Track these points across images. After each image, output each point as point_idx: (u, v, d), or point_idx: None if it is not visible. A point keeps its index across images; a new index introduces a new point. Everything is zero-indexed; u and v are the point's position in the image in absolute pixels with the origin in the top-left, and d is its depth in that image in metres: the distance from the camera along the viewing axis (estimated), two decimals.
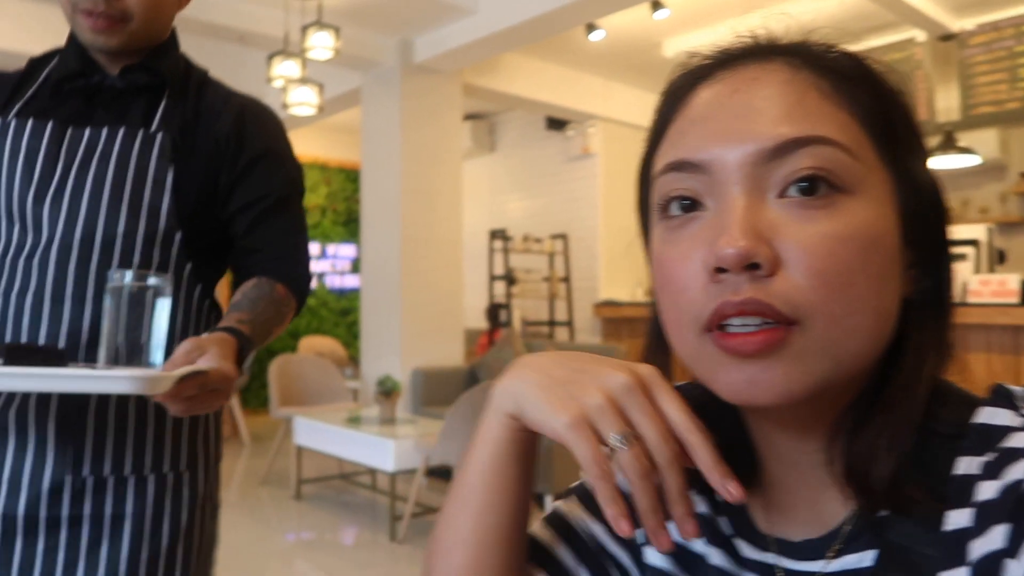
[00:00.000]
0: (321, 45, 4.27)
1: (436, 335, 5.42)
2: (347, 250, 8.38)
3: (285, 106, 4.62)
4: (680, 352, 0.49)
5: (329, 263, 8.33)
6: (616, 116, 6.61)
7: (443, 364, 5.39)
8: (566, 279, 7.01)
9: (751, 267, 0.43)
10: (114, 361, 0.90)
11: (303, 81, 4.47)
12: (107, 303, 0.92)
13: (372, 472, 4.80)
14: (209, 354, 0.94)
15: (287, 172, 1.23)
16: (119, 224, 1.05)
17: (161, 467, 1.06)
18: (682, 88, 0.51)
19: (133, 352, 0.91)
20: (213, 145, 1.13)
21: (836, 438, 0.48)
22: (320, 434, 4.40)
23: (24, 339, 1.00)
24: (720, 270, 0.44)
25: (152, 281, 0.93)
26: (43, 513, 0.98)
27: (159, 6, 1.11)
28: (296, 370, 5.25)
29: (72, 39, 1.10)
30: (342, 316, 8.35)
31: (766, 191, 0.45)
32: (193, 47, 4.99)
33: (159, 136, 1.09)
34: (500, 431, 0.52)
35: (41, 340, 1.00)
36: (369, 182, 5.62)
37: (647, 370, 0.48)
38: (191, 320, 1.15)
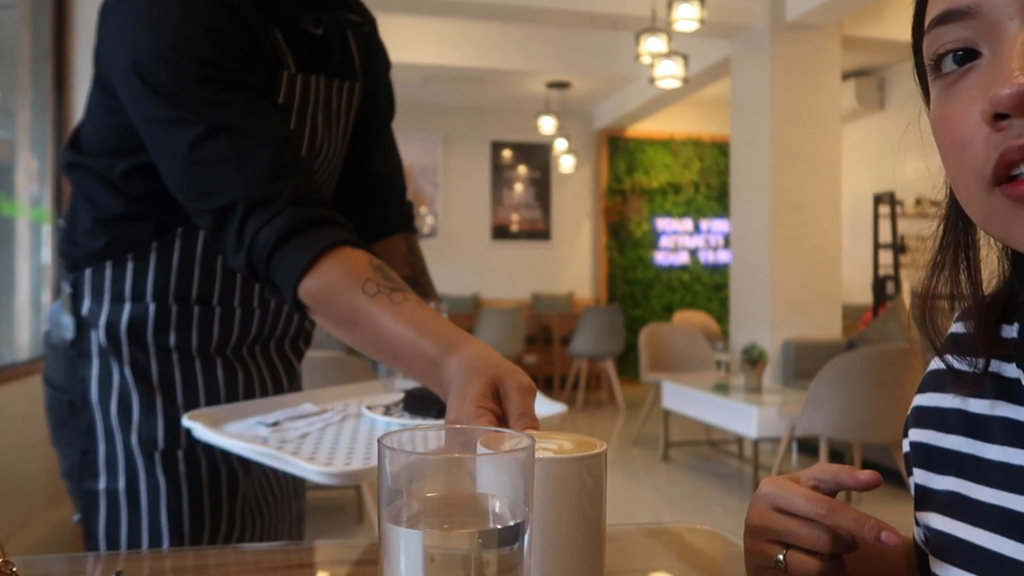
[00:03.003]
0: (686, 17, 4.33)
1: (811, 306, 5.14)
2: (720, 225, 8.32)
3: (652, 80, 4.77)
4: (973, 214, 0.47)
5: (703, 238, 8.36)
6: None
7: (818, 336, 5.09)
8: None
9: None
10: None
11: (668, 55, 4.57)
12: None
13: (739, 441, 4.76)
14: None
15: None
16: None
17: None
18: None
19: None
20: (377, 80, 1.11)
21: None
22: (686, 398, 4.50)
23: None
24: (1000, 116, 0.41)
25: None
26: None
27: None
28: (666, 337, 5.41)
29: None
30: (715, 291, 8.33)
31: None
32: (563, 34, 5.37)
33: (360, 87, 1.06)
34: None
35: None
36: (739, 151, 5.52)
37: None
38: None
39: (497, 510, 0.40)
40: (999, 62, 0.41)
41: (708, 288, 8.36)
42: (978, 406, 0.53)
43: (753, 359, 4.18)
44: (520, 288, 8.09)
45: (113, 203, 0.92)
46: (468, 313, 7.20)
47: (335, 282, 0.74)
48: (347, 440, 0.79)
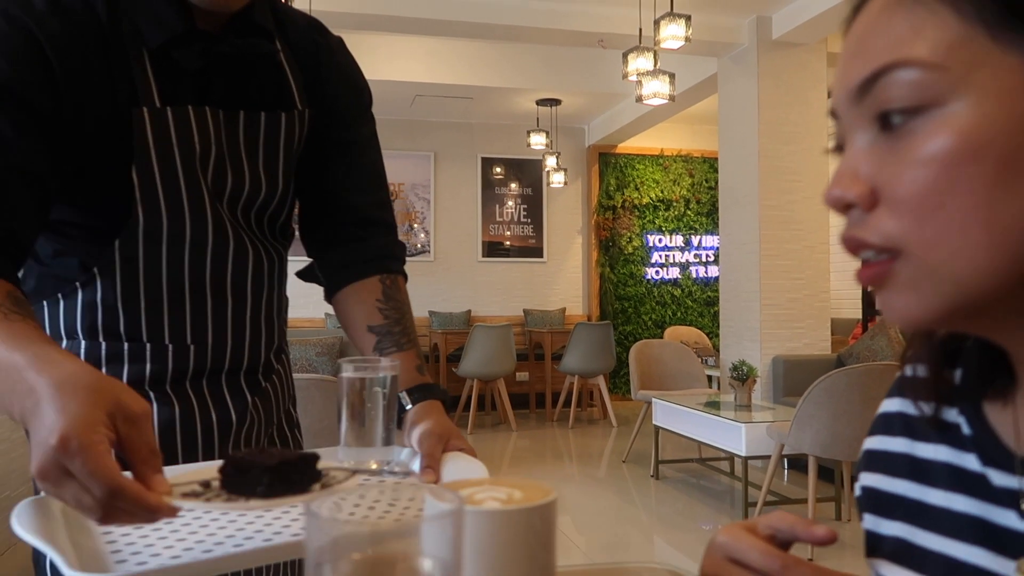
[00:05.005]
0: (672, 36, 4.36)
1: (800, 321, 5.16)
2: (711, 240, 8.35)
3: (639, 98, 4.80)
4: None
5: (694, 254, 8.39)
6: None
7: (807, 352, 5.10)
8: None
9: (852, 207, 0.46)
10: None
11: (655, 73, 4.60)
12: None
13: (730, 459, 4.75)
14: (456, 439, 0.87)
15: (368, 95, 1.11)
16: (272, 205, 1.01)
17: None
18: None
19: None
20: (331, 102, 1.05)
21: None
22: (676, 416, 4.49)
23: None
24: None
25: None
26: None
27: None
28: (655, 354, 5.41)
29: None
30: (707, 306, 8.34)
31: (868, 128, 0.45)
32: (553, 52, 5.39)
33: (307, 113, 1.00)
34: None
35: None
36: (727, 168, 5.55)
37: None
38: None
39: (428, 571, 0.40)
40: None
41: (700, 303, 8.38)
42: (924, 450, 0.53)
43: (742, 377, 4.18)
44: (512, 304, 8.09)
45: (43, 242, 0.93)
46: (460, 330, 7.19)
47: None
48: (203, 523, 0.69)
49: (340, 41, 1.09)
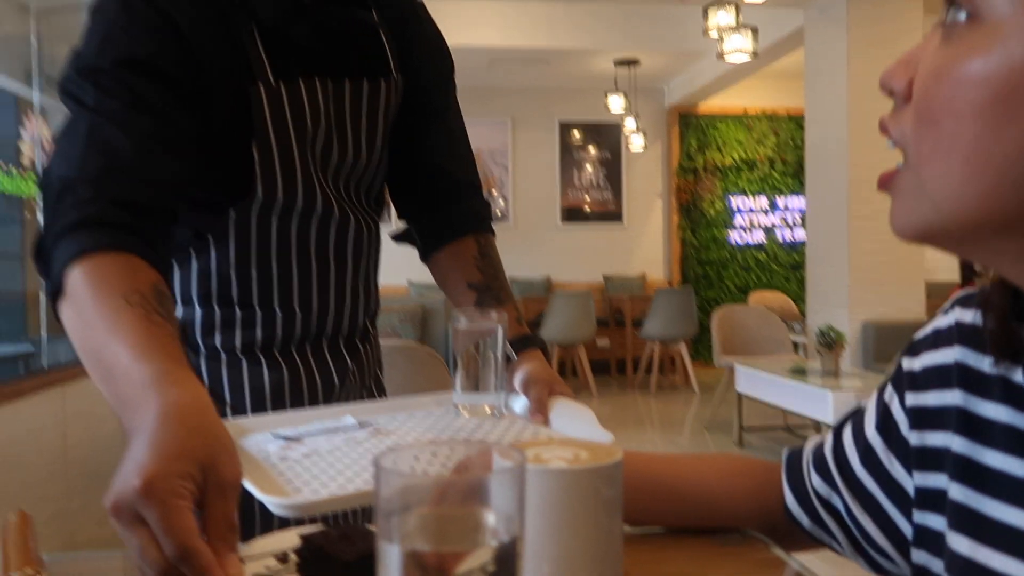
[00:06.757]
0: None
1: (891, 285, 4.95)
2: (798, 202, 8.07)
3: (720, 55, 4.65)
4: None
5: (779, 216, 8.13)
6: None
7: (899, 318, 4.90)
8: None
9: (894, 95, 0.44)
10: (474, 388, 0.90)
11: (736, 28, 4.44)
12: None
13: (817, 427, 4.63)
14: (559, 384, 0.91)
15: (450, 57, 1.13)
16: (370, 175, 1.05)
17: None
18: None
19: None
20: (421, 70, 1.07)
21: None
22: (760, 383, 4.40)
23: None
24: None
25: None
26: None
27: None
28: (739, 320, 5.31)
29: None
30: (793, 270, 8.10)
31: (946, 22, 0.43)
32: (630, 10, 5.29)
33: (400, 81, 1.03)
34: None
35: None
36: (814, 126, 5.33)
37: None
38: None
39: (491, 526, 0.41)
40: None
41: (785, 267, 8.14)
42: (984, 408, 0.50)
43: (829, 342, 4.05)
44: (591, 270, 8.05)
45: None
46: (539, 297, 7.22)
47: (103, 278, 0.69)
48: (351, 460, 0.73)
49: (423, 6, 1.11)
